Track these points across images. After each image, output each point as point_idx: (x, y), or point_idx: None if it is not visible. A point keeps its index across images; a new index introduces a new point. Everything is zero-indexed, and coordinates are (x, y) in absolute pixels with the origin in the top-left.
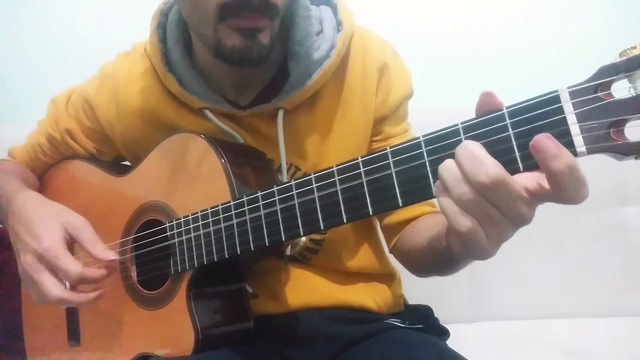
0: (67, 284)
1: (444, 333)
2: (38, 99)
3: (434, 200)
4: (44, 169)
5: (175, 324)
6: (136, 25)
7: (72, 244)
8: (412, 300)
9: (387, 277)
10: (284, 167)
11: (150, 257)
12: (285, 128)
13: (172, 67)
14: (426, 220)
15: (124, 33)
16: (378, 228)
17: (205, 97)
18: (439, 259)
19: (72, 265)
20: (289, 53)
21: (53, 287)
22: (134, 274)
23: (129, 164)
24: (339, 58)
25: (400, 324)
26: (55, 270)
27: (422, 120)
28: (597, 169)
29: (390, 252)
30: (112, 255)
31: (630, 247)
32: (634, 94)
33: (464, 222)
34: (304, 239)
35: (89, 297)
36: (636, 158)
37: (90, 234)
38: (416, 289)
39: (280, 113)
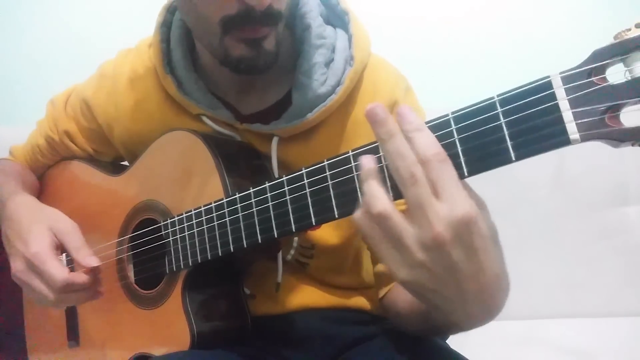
0: None
1: None
2: (38, 99)
3: None
4: (43, 170)
5: (171, 323)
6: (136, 24)
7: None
8: None
9: None
10: None
11: (147, 256)
12: (280, 152)
13: (173, 68)
14: None
15: (124, 32)
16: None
17: (203, 102)
18: (421, 317)
19: (57, 271)
20: (295, 81)
21: (46, 290)
22: (130, 273)
23: (128, 164)
24: (345, 95)
25: None
26: (42, 275)
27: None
28: (597, 169)
29: (380, 300)
30: (94, 261)
31: (630, 247)
32: (630, 78)
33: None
34: (290, 256)
35: (85, 297)
36: (633, 145)
37: (76, 238)
38: None
39: (275, 140)
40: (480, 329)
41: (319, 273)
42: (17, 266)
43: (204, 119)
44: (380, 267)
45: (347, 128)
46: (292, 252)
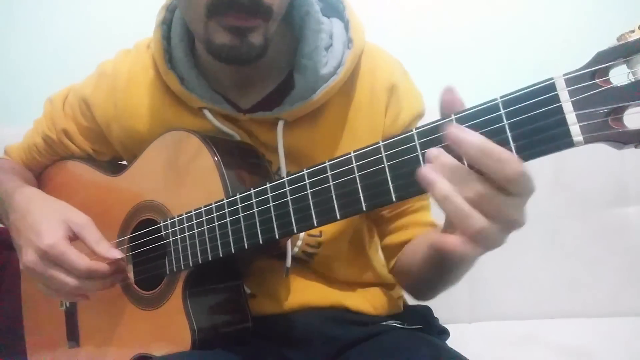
0: None
1: (444, 333)
2: (37, 99)
3: (434, 219)
4: (40, 169)
5: (171, 324)
6: (135, 24)
7: (74, 240)
8: (412, 301)
9: (386, 284)
10: (284, 175)
11: (146, 256)
12: (285, 137)
13: (174, 65)
14: (423, 236)
15: (123, 32)
16: (375, 243)
17: (205, 97)
18: (435, 268)
19: (79, 260)
20: (296, 65)
21: (67, 279)
22: (130, 274)
23: (126, 163)
24: (346, 76)
25: (399, 325)
26: (62, 266)
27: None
28: (597, 169)
29: (390, 272)
30: (117, 254)
31: (630, 247)
32: (633, 80)
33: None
34: (297, 248)
35: (105, 284)
36: (636, 147)
37: (94, 231)
38: None
39: (281, 124)
40: (480, 329)
41: (326, 264)
42: (28, 257)
43: (206, 112)
44: (391, 239)
45: (348, 112)
46: (300, 243)
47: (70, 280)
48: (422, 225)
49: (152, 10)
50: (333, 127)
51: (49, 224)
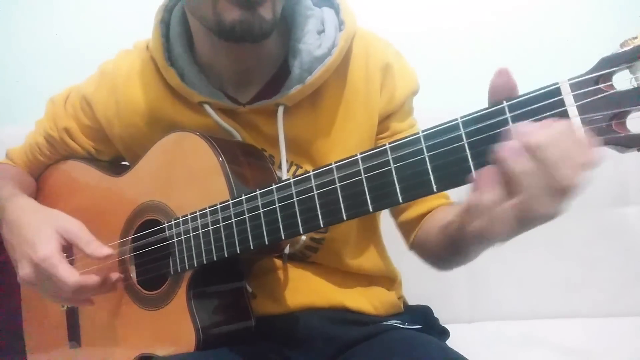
0: None
1: (444, 333)
2: (37, 99)
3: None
4: (43, 169)
5: (175, 324)
6: (136, 25)
7: (69, 248)
8: (412, 301)
9: (387, 280)
10: (284, 165)
11: (150, 257)
12: (286, 125)
13: (174, 62)
14: (441, 211)
15: (124, 33)
16: (381, 229)
17: (205, 91)
18: (454, 245)
19: (68, 275)
20: (290, 50)
21: (59, 293)
22: (133, 274)
23: (127, 163)
24: (340, 56)
25: (399, 325)
26: (52, 279)
27: (426, 120)
28: (597, 169)
29: (410, 249)
30: (107, 250)
31: (630, 247)
32: (636, 85)
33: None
34: (304, 237)
35: (100, 292)
36: (639, 150)
37: (84, 234)
38: (416, 290)
39: (281, 109)
40: (481, 329)
41: (333, 250)
42: (25, 270)
43: (206, 107)
44: (406, 215)
45: (345, 94)
46: (298, 246)
47: (60, 295)
48: (437, 197)
49: (151, 11)
50: (332, 110)
51: (43, 235)
